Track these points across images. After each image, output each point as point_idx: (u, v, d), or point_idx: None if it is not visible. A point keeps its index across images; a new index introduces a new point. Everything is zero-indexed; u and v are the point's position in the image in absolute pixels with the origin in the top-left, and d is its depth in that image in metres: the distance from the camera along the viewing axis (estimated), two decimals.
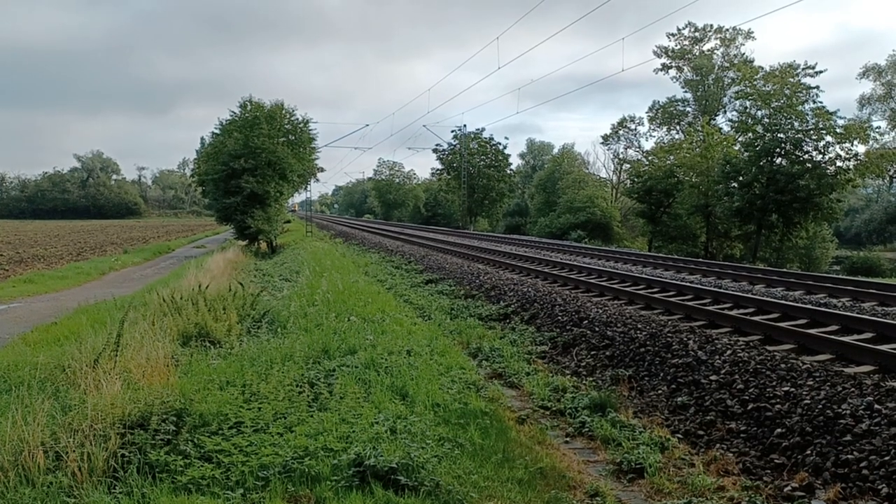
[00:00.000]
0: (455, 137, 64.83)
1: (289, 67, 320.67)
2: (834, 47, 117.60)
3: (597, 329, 9.82)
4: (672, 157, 43.40)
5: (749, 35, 56.07)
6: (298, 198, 63.82)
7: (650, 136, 62.50)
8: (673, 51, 58.00)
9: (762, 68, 39.44)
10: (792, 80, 34.40)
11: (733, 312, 9.68)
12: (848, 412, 5.55)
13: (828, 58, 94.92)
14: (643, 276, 14.69)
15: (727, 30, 56.24)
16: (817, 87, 33.48)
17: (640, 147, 63.22)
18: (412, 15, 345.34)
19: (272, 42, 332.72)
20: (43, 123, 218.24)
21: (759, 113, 34.88)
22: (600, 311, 10.61)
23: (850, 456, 5.06)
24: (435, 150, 67.30)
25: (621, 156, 66.13)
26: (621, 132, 64.45)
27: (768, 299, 10.58)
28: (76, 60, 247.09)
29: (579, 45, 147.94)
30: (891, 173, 41.59)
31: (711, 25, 56.79)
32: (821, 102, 32.99)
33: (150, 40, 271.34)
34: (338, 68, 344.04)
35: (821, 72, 34.98)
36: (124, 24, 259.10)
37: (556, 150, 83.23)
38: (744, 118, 36.00)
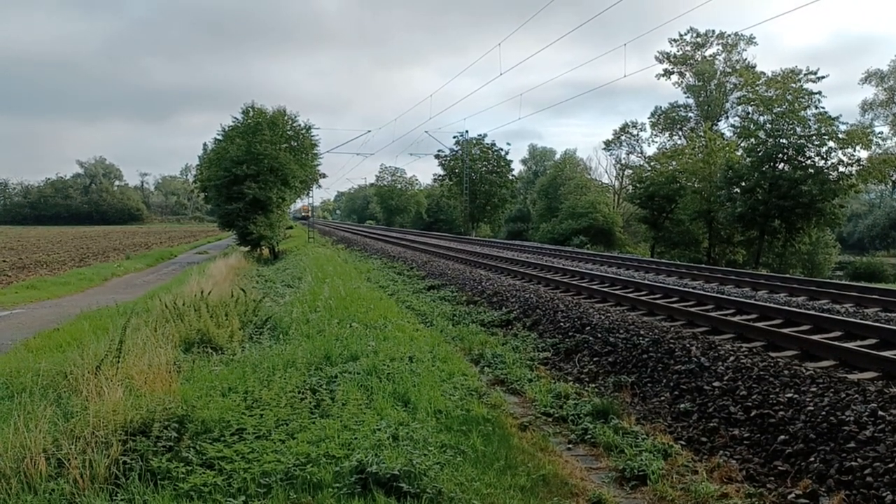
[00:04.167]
0: (457, 143, 64.97)
1: (286, 74, 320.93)
2: (831, 53, 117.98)
3: (599, 335, 9.80)
4: (674, 163, 43.45)
5: (751, 41, 56.26)
6: (304, 201, 63.60)
7: (652, 141, 62.66)
8: (675, 56, 58.14)
9: (764, 74, 39.53)
10: (794, 85, 34.42)
11: (736, 318, 9.66)
12: (852, 419, 5.53)
13: (825, 64, 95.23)
14: (645, 281, 14.68)
15: (729, 35, 56.44)
16: (819, 93, 33.53)
17: (642, 153, 63.40)
18: (409, 21, 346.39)
19: (269, 48, 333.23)
20: (44, 130, 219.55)
21: (761, 118, 34.92)
22: (603, 318, 10.59)
23: (854, 463, 5.04)
24: (437, 156, 67.46)
25: (623, 161, 66.32)
26: (623, 138, 64.64)
27: (771, 305, 10.56)
28: (75, 68, 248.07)
29: (578, 51, 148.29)
30: (894, 178, 41.51)
31: (713, 31, 57.01)
32: (823, 108, 33.05)
33: (147, 47, 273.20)
34: (335, 75, 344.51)
35: (822, 77, 34.97)
36: (121, 32, 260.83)
37: (557, 156, 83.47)
38: (746, 123, 36.07)
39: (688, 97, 59.21)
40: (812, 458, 5.34)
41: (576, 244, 45.66)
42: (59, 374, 7.20)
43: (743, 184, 34.38)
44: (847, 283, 17.67)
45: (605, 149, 67.24)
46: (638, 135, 64.29)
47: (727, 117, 55.55)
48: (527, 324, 11.68)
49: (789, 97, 33.51)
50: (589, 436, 6.43)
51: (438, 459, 5.27)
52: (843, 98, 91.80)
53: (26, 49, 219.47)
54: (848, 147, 32.26)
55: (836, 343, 7.71)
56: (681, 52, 58.01)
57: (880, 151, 38.62)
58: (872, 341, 7.94)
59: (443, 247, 31.62)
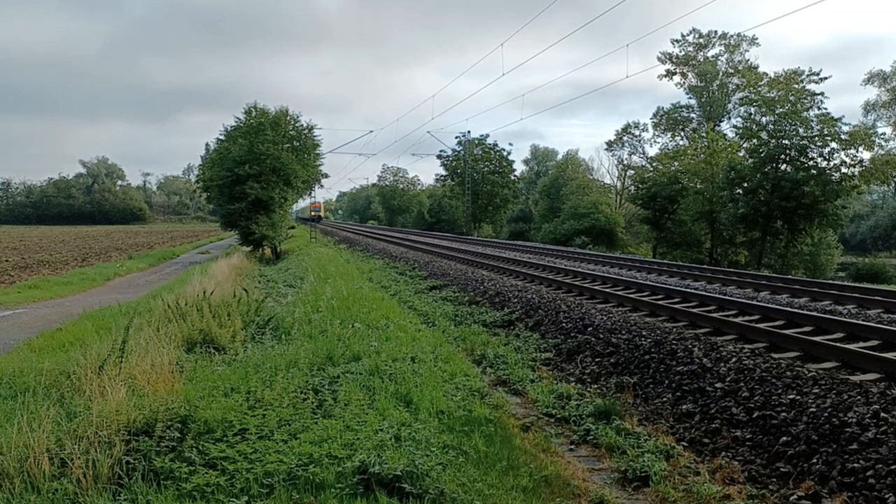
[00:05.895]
0: (459, 143, 64.99)
1: (286, 74, 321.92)
2: (833, 54, 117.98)
3: (601, 336, 9.80)
4: (676, 164, 43.42)
5: (753, 41, 56.21)
6: (308, 200, 63.59)
7: (654, 142, 62.71)
8: (677, 57, 58.09)
9: (766, 74, 39.46)
10: (796, 86, 34.38)
11: (738, 320, 9.65)
12: (854, 420, 5.52)
13: (827, 64, 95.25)
14: (648, 282, 14.67)
15: (731, 36, 56.39)
16: (822, 94, 33.49)
17: (644, 153, 63.32)
18: (409, 21, 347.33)
19: (269, 48, 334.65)
20: (46, 130, 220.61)
21: (763, 119, 34.88)
22: (605, 318, 10.59)
23: (856, 465, 5.03)
24: (439, 156, 67.58)
25: (625, 162, 66.19)
26: (625, 138, 64.54)
27: (773, 306, 10.54)
28: (76, 68, 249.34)
29: (580, 52, 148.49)
30: None
31: (716, 32, 56.97)
32: (825, 109, 33.00)
33: (147, 47, 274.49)
34: (336, 75, 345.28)
35: (825, 78, 34.92)
36: (121, 32, 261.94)
37: (559, 157, 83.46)
38: (748, 124, 36.02)
39: (690, 98, 59.22)
40: (814, 460, 5.34)
41: (578, 245, 45.60)
42: (62, 373, 7.21)
43: (745, 185, 34.35)
44: (849, 284, 17.63)
45: (606, 149, 67.19)
46: (640, 135, 64.24)
47: (729, 118, 55.56)
48: (529, 324, 11.68)
49: (791, 98, 33.49)
50: (591, 437, 6.43)
51: (441, 460, 5.27)
52: (845, 99, 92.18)
53: (26, 49, 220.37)
54: (850, 148, 32.23)
55: (838, 344, 7.69)
56: (683, 53, 58.00)
57: (883, 152, 38.56)
58: (875, 343, 7.93)
59: (445, 247, 31.61)
